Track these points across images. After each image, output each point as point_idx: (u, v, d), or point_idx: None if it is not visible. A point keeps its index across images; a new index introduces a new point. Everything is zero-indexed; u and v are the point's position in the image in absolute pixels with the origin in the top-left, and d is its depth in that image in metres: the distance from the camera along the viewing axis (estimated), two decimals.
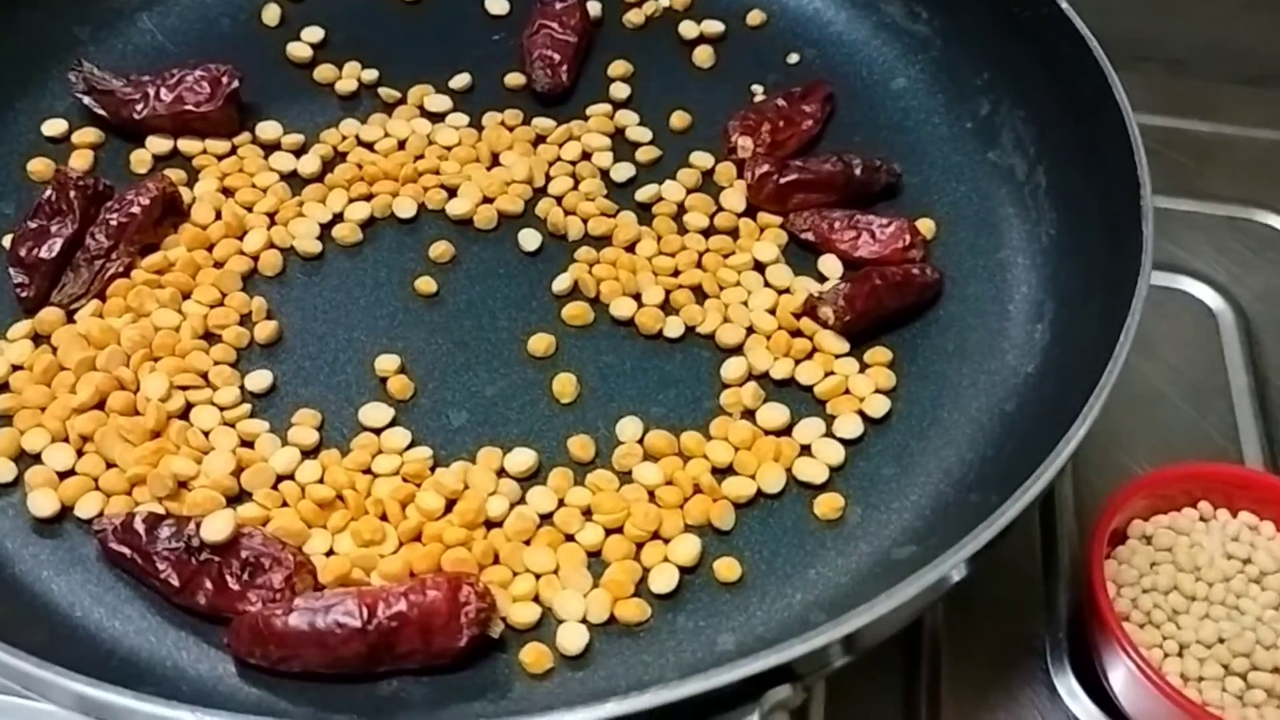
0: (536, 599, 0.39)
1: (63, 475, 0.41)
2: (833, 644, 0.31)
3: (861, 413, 0.44)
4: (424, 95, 0.54)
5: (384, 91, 0.53)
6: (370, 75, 0.54)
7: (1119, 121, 0.45)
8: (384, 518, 0.40)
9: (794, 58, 0.56)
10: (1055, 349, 0.44)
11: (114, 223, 0.46)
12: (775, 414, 0.43)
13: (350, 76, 0.54)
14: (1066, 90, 0.48)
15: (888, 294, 0.46)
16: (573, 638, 0.38)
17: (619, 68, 0.55)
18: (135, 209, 0.46)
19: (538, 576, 0.39)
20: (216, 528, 0.38)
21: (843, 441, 0.43)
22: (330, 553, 0.40)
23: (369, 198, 0.50)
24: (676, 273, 0.48)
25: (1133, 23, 0.61)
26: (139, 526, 0.38)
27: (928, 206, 0.50)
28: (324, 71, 0.54)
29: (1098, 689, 0.44)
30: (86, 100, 0.51)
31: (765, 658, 0.30)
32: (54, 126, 0.51)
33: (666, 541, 0.40)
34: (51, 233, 0.46)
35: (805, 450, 0.43)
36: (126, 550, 0.38)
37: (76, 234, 0.46)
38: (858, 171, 0.50)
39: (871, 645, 0.33)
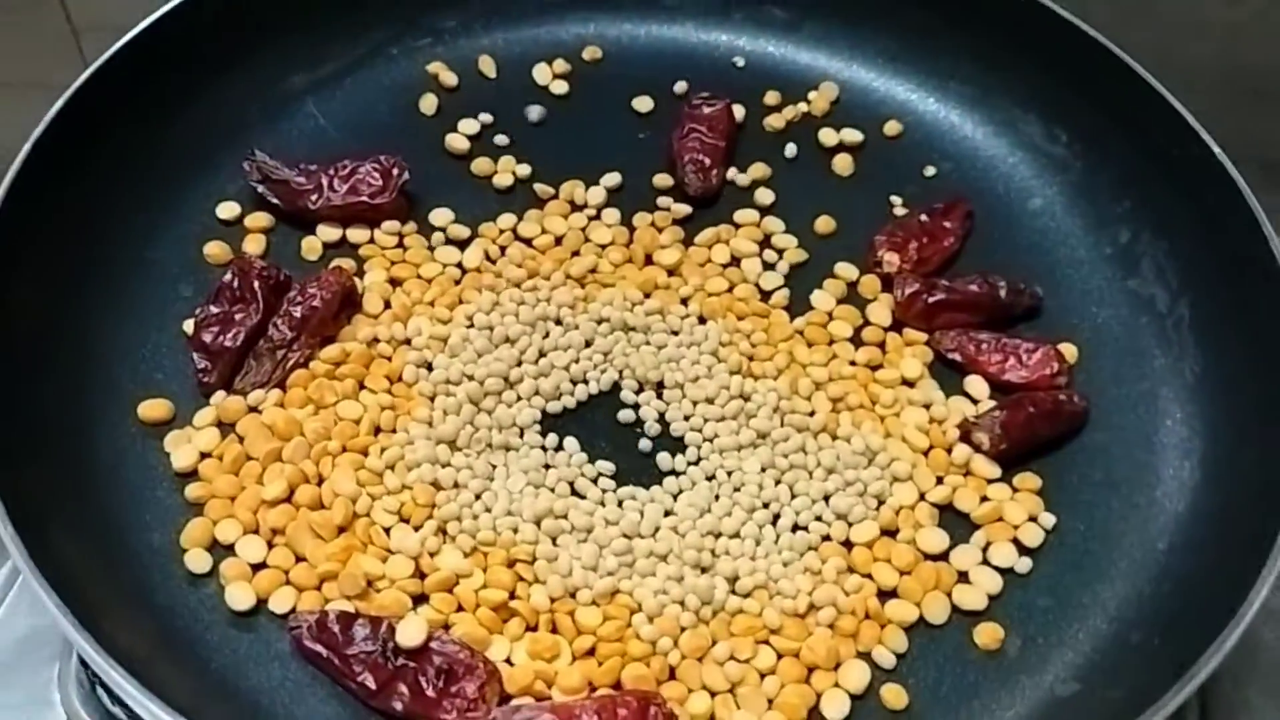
0: (712, 718, 0.40)
1: (255, 568, 0.42)
2: None
3: (1016, 540, 0.45)
4: (574, 190, 0.55)
5: (539, 188, 0.55)
6: (524, 170, 0.56)
7: (1272, 270, 0.46)
8: (554, 629, 0.42)
9: (930, 170, 0.58)
10: (1206, 492, 0.45)
11: (298, 314, 0.48)
12: (935, 538, 0.45)
13: (506, 171, 0.56)
14: (1213, 229, 0.50)
15: (1041, 422, 0.47)
16: None
17: (761, 171, 0.57)
18: (318, 302, 0.48)
19: (713, 695, 0.41)
20: (411, 633, 0.40)
21: (998, 570, 0.44)
22: (509, 661, 0.41)
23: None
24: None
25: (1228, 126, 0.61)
26: (334, 626, 0.40)
27: (1067, 331, 0.52)
28: (481, 164, 0.56)
29: None
30: (260, 189, 0.52)
31: None
32: (227, 210, 0.53)
33: (836, 666, 0.42)
34: (235, 320, 0.48)
35: (963, 577, 0.44)
36: (322, 650, 0.40)
37: (260, 323, 0.48)
38: (1002, 294, 0.52)
39: None
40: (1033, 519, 0.46)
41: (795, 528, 0.45)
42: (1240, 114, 0.71)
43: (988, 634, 0.43)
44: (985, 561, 0.45)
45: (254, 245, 0.52)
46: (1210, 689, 0.49)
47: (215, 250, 0.51)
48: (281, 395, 0.47)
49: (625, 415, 0.48)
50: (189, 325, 0.48)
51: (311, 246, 0.52)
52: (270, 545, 0.43)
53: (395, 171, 0.52)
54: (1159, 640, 0.40)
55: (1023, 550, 0.45)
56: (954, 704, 0.41)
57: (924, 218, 0.55)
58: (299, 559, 0.43)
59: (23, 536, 0.38)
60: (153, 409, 0.46)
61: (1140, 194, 0.53)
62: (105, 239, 0.50)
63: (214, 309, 0.48)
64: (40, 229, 0.48)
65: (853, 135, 0.58)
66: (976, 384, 0.50)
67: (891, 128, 0.59)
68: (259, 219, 0.53)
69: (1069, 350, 0.51)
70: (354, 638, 0.40)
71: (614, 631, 0.41)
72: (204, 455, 0.45)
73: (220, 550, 0.43)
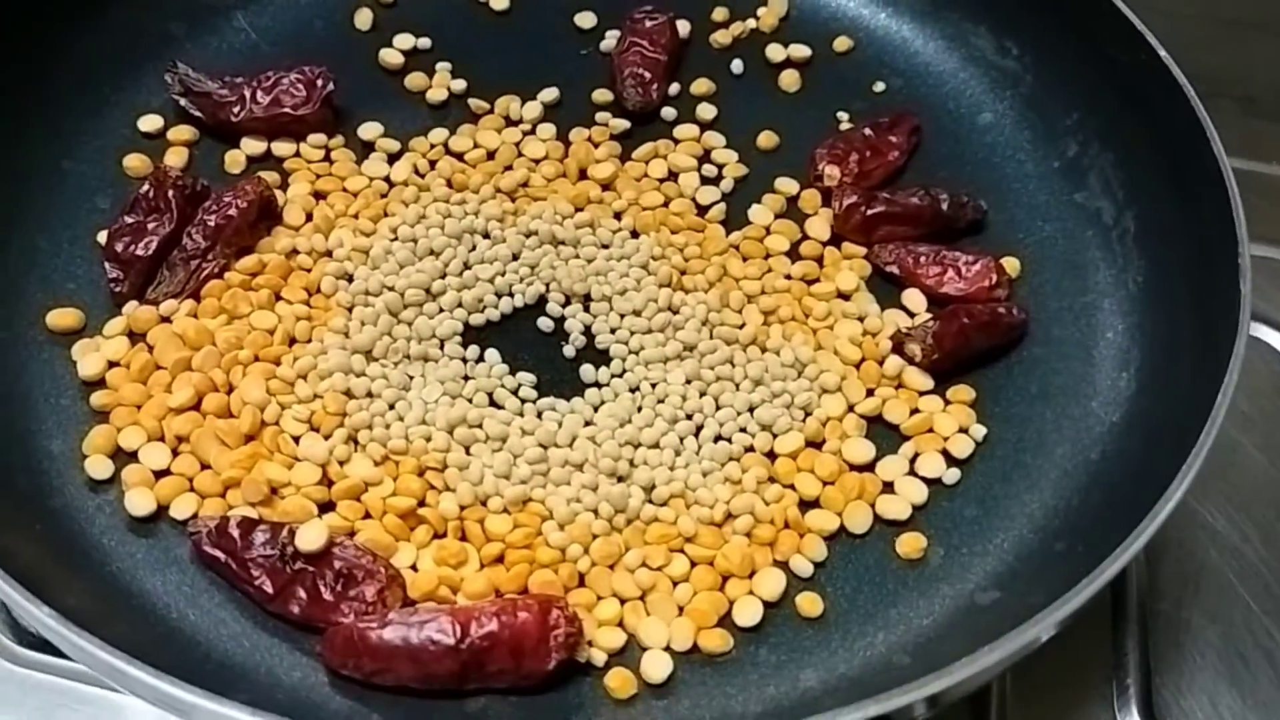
0: (621, 624, 0.39)
1: (158, 475, 0.41)
2: (930, 696, 0.31)
3: (945, 452, 0.44)
4: (510, 105, 0.54)
5: (473, 103, 0.54)
6: (459, 85, 0.55)
7: (1215, 176, 0.45)
8: (463, 537, 0.41)
9: (880, 86, 0.56)
10: (1142, 400, 0.44)
11: (211, 223, 0.47)
12: (861, 449, 0.44)
13: (440, 86, 0.54)
14: (1159, 138, 0.48)
15: (975, 333, 0.46)
16: (657, 666, 0.38)
17: (705, 87, 0.55)
18: (233, 211, 0.47)
19: (622, 601, 0.40)
20: (311, 538, 0.39)
21: (925, 480, 0.43)
22: (414, 567, 0.40)
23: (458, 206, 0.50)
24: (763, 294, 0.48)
25: (1210, 58, 0.60)
26: (234, 531, 0.39)
27: (1012, 245, 0.50)
28: (415, 79, 0.55)
29: None
30: (182, 102, 0.51)
31: (865, 708, 0.30)
32: (149, 123, 0.51)
33: (751, 574, 0.41)
34: (148, 230, 0.47)
35: (888, 487, 0.43)
36: (220, 554, 0.39)
37: (173, 233, 0.47)
38: (944, 207, 0.50)
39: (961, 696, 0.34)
40: (963, 430, 0.45)
41: (718, 438, 0.44)
42: (1221, 46, 0.69)
43: (909, 543, 0.42)
44: (912, 472, 0.44)
45: (176, 158, 0.51)
46: (1152, 610, 0.48)
47: (135, 163, 0.50)
48: (194, 305, 0.46)
49: (548, 326, 0.47)
50: (103, 236, 0.47)
51: (234, 160, 0.51)
52: (175, 452, 0.42)
53: (320, 82, 0.51)
54: (1082, 547, 0.39)
55: (951, 461, 0.44)
56: (870, 612, 0.40)
57: (868, 131, 0.53)
58: (204, 466, 0.42)
59: None
60: (62, 318, 0.45)
61: (1089, 105, 0.52)
62: (20, 149, 0.49)
63: (128, 219, 0.47)
64: None
65: (800, 51, 0.57)
66: (914, 297, 0.49)
67: (841, 43, 0.57)
68: (182, 132, 0.51)
69: (1011, 264, 0.49)
70: (253, 542, 0.39)
71: (523, 538, 0.40)
72: (112, 364, 0.44)
73: (124, 458, 0.42)
